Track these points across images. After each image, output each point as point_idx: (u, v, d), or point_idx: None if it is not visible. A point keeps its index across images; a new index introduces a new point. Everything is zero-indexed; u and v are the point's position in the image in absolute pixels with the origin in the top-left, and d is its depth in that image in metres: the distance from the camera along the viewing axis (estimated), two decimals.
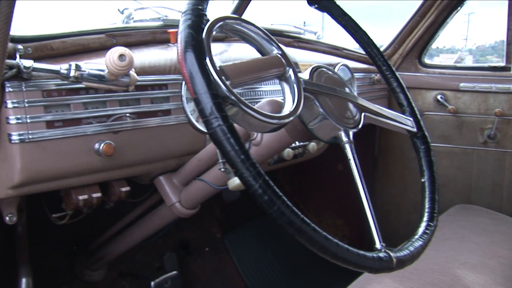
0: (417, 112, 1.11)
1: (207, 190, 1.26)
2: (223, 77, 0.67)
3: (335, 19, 1.13)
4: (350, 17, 1.13)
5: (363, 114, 0.95)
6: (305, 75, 0.89)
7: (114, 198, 1.26)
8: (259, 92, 1.39)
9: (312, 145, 1.46)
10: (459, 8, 2.02)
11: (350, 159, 0.86)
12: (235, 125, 0.65)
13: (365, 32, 1.14)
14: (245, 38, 0.85)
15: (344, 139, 0.87)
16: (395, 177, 2.34)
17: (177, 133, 1.21)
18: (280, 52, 0.85)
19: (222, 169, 1.11)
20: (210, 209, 2.28)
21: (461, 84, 2.06)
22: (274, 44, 0.85)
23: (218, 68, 0.68)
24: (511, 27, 1.95)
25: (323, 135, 0.89)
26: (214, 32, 0.73)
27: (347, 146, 0.87)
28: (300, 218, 0.64)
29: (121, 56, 0.89)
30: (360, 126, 0.93)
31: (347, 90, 0.96)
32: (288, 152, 1.39)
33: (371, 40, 1.15)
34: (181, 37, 0.67)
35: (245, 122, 0.70)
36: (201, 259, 2.13)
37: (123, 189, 1.25)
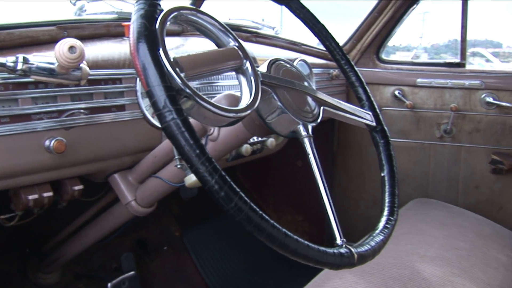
0: (376, 106, 1.11)
1: (164, 188, 1.23)
2: (177, 69, 0.65)
3: (293, 12, 1.11)
4: (308, 10, 1.12)
5: (322, 108, 0.94)
6: (262, 68, 0.87)
7: (66, 197, 1.21)
8: (216, 87, 1.36)
9: (271, 140, 1.44)
10: (415, 5, 2.04)
11: (309, 154, 0.84)
12: (191, 119, 0.63)
13: (323, 26, 1.13)
14: (200, 29, 0.83)
15: (303, 133, 0.86)
16: (353, 173, 2.36)
17: (132, 129, 1.17)
18: (237, 44, 0.83)
19: (178, 166, 1.08)
20: (168, 207, 2.24)
21: (418, 80, 2.09)
22: (231, 36, 0.83)
23: (172, 60, 0.65)
24: (465, 25, 1.98)
25: (282, 130, 0.87)
26: (168, 23, 0.70)
27: (306, 141, 0.85)
28: (258, 215, 0.62)
29: (72, 48, 0.85)
30: (319, 120, 0.91)
31: (305, 83, 0.95)
32: (246, 148, 1.37)
33: (330, 34, 1.14)
34: (133, 27, 0.64)
35: (201, 116, 0.67)
36: (160, 259, 2.09)
37: (76, 187, 1.20)
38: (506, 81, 1.98)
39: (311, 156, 0.84)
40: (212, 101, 0.68)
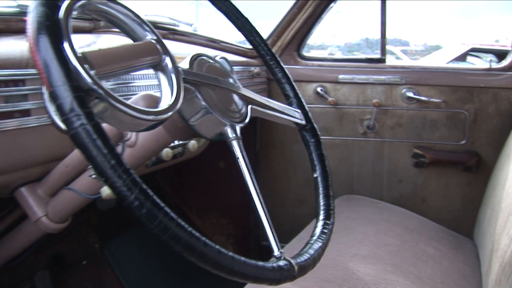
0: (304, 104, 1.06)
1: (78, 200, 1.11)
2: (86, 66, 0.55)
3: (214, 5, 1.04)
4: (230, 3, 1.04)
5: (249, 106, 0.88)
6: (184, 64, 0.79)
7: None
8: (133, 88, 1.24)
9: (193, 143, 1.35)
10: (335, 1, 2.03)
11: (238, 158, 0.78)
12: (104, 124, 0.54)
13: (247, 19, 1.06)
14: (113, 21, 0.73)
15: (231, 135, 0.79)
16: (278, 172, 2.32)
17: (39, 136, 1.03)
18: (154, 38, 0.74)
19: (93, 176, 0.96)
20: (86, 218, 2.09)
21: (340, 76, 2.08)
22: (148, 29, 0.74)
23: (79, 55, 0.55)
24: (384, 21, 2.00)
25: (207, 132, 0.80)
26: (75, 12, 0.61)
27: (235, 143, 0.79)
28: (187, 232, 0.54)
29: None
30: (247, 120, 0.85)
31: (231, 80, 0.88)
32: (166, 152, 1.27)
33: (254, 28, 1.07)
34: (32, 17, 0.54)
35: (115, 120, 0.58)
36: (79, 274, 1.94)
37: None
38: (424, 75, 2.02)
39: (241, 161, 0.77)
40: (128, 102, 0.59)
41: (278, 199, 2.34)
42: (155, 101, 0.78)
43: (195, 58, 0.82)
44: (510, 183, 1.41)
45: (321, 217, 0.86)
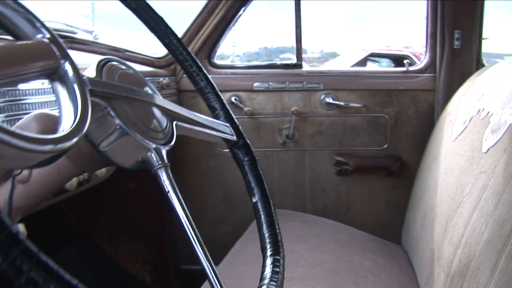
0: (233, 116, 0.91)
1: None
2: None
3: (122, 1, 0.85)
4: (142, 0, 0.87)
5: (174, 123, 0.71)
6: (89, 72, 0.61)
7: None
8: (24, 106, 1.01)
9: None
10: (247, 4, 1.91)
11: (169, 191, 0.62)
12: None
13: (162, 19, 0.88)
14: None
15: (157, 162, 0.63)
16: (193, 190, 2.16)
17: None
18: (48, 37, 0.55)
19: None
20: None
21: (255, 84, 1.97)
22: (39, 24, 0.55)
23: None
24: (299, 25, 1.92)
25: (125, 159, 0.63)
26: None
27: (163, 172, 0.63)
28: None
29: None
30: (173, 140, 0.69)
31: (149, 91, 0.71)
32: (70, 181, 1.07)
33: (170, 29, 0.89)
34: None
35: None
36: None
37: None
38: (342, 80, 1.97)
39: (172, 195, 0.61)
40: (13, 127, 0.40)
41: (195, 218, 2.13)
42: (53, 122, 0.58)
43: (103, 64, 0.64)
44: (442, 187, 1.36)
45: (269, 252, 0.71)
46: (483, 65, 1.84)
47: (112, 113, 0.58)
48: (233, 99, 1.99)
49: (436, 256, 1.24)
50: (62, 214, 2.24)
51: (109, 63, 0.65)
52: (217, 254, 1.61)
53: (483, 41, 1.87)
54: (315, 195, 2.07)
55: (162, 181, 0.62)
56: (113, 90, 0.59)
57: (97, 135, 0.59)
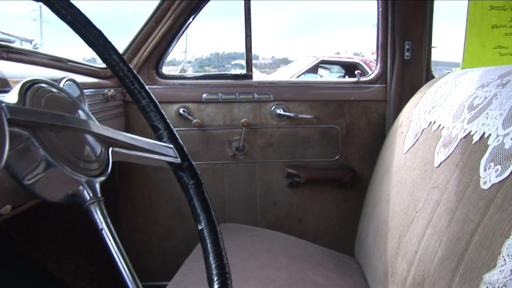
0: (177, 137, 0.84)
1: None
2: None
3: (56, 13, 0.77)
4: (78, 11, 0.78)
5: (110, 149, 0.65)
6: (11, 97, 0.54)
7: None
8: None
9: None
10: (197, 12, 1.85)
11: (103, 228, 0.55)
12: None
13: (100, 33, 0.81)
14: None
15: (88, 196, 0.57)
16: (142, 205, 2.08)
17: None
18: None
19: None
20: None
21: (204, 95, 1.91)
22: None
23: None
24: (249, 34, 1.87)
25: (53, 194, 0.56)
26: None
27: (96, 209, 0.56)
28: None
29: None
30: (108, 170, 0.63)
31: (82, 115, 0.64)
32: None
33: (110, 43, 0.81)
34: None
35: None
36: None
37: None
38: (293, 91, 1.93)
39: (106, 232, 0.55)
40: None
41: (144, 234, 2.09)
42: None
43: (28, 87, 0.57)
44: (394, 201, 1.35)
45: (216, 285, 0.65)
46: (432, 76, 1.86)
47: (36, 143, 0.52)
48: (181, 110, 1.92)
49: (390, 271, 1.22)
50: (2, 233, 2.12)
51: (35, 85, 0.58)
52: (168, 270, 1.56)
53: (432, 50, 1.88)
54: (267, 208, 2.03)
55: (95, 218, 0.56)
56: (37, 118, 0.53)
57: (20, 168, 0.52)
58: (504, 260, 0.73)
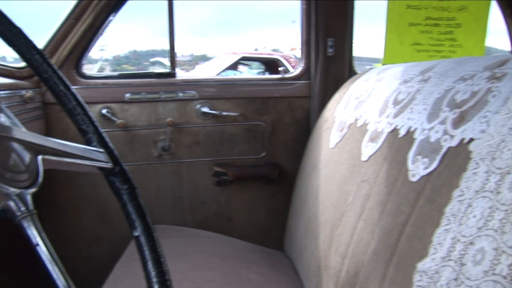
0: (107, 140, 0.80)
1: None
2: None
3: None
4: None
5: (39, 157, 0.60)
6: None
7: None
8: None
9: None
10: (117, 10, 1.78)
11: (38, 244, 0.52)
12: None
13: (20, 31, 0.75)
14: None
15: (19, 210, 0.53)
16: (66, 210, 1.97)
17: None
18: None
19: None
20: None
21: (127, 95, 1.85)
22: None
23: None
24: (172, 32, 1.83)
25: None
26: None
27: (29, 223, 0.53)
28: None
29: None
30: (39, 180, 0.59)
31: (3, 120, 0.60)
32: None
33: (31, 42, 0.76)
34: None
35: None
36: None
37: None
38: (218, 89, 1.92)
39: (42, 248, 0.52)
40: None
41: (69, 240, 2.00)
42: None
43: None
44: (324, 195, 1.37)
45: None
46: (355, 72, 1.91)
47: None
48: (104, 111, 1.85)
49: (323, 265, 1.24)
50: None
51: None
52: (96, 278, 1.49)
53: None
54: (195, 208, 2.00)
55: (28, 233, 0.52)
56: None
57: None
58: (435, 248, 0.76)
